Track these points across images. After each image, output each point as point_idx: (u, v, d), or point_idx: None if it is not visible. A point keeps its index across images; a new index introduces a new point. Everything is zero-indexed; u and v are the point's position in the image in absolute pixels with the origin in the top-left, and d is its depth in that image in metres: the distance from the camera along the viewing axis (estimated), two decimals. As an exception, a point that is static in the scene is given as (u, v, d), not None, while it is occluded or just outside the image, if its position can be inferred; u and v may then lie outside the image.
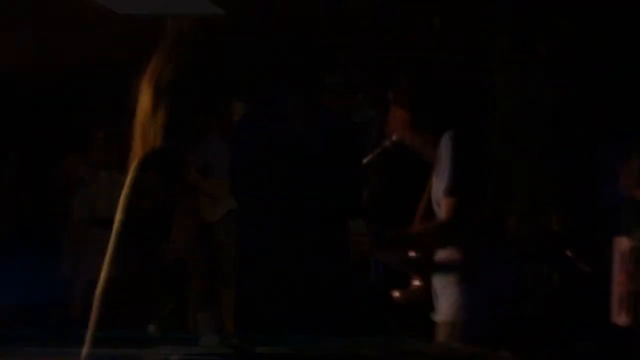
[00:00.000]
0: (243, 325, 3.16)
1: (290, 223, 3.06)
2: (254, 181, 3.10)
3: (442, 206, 2.90)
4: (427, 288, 3.13)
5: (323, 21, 5.11)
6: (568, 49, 5.50)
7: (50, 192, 5.66)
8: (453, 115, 3.06)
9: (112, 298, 1.58)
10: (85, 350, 1.61)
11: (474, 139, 3.06)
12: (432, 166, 3.02)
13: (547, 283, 4.66)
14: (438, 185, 2.97)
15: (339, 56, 3.99)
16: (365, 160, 3.36)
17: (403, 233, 3.08)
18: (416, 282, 3.05)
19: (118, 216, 1.62)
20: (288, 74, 3.24)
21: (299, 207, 3.07)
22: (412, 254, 3.14)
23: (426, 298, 3.16)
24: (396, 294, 3.25)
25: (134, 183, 1.64)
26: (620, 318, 4.09)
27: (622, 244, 4.15)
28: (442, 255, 2.95)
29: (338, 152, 3.20)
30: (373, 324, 3.76)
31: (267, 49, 3.32)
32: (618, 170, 4.52)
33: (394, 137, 2.97)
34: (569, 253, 4.75)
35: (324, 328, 2.75)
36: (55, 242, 5.20)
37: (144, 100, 1.69)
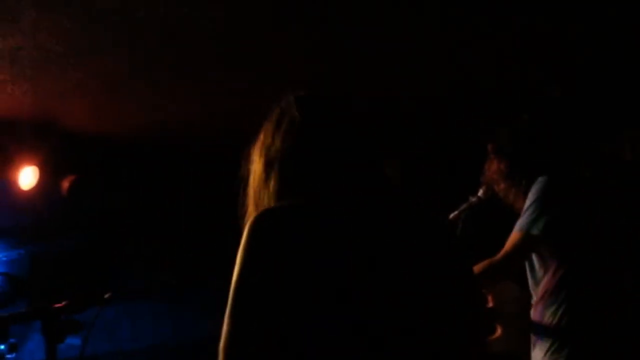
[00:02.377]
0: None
1: None
2: None
3: (507, 241, 3.34)
4: (513, 336, 3.41)
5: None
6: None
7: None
8: (550, 162, 3.20)
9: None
10: None
11: (565, 183, 3.15)
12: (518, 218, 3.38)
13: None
14: None
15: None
16: (451, 216, 3.33)
17: None
18: (500, 330, 3.56)
19: (235, 272, 1.59)
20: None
21: None
22: (490, 303, 3.41)
23: (513, 346, 3.49)
24: None
25: (247, 240, 1.61)
26: None
27: None
28: (536, 308, 3.13)
29: None
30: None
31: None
32: None
33: (479, 193, 3.53)
34: None
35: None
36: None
37: (256, 168, 1.79)
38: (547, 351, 3.04)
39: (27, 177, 5.06)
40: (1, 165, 4.91)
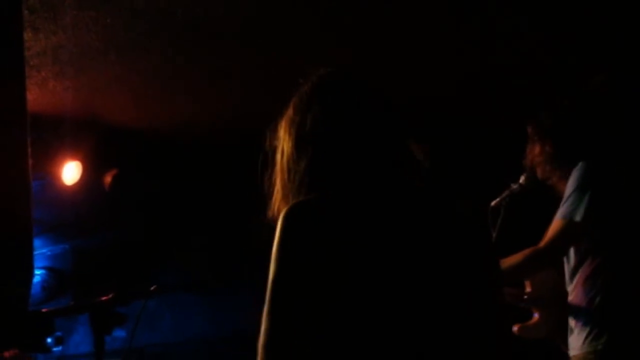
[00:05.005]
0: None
1: None
2: None
3: (550, 228, 3.31)
4: (550, 322, 3.39)
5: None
6: None
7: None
8: (596, 144, 3.15)
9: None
10: None
11: (607, 169, 3.11)
12: (560, 202, 3.35)
13: None
14: None
15: None
16: (492, 204, 3.31)
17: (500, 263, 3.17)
18: (537, 316, 3.54)
19: (272, 268, 1.54)
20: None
21: None
22: (528, 289, 3.41)
23: (550, 332, 3.48)
24: (516, 327, 3.70)
25: (282, 234, 1.55)
26: None
27: None
28: (574, 295, 3.11)
29: None
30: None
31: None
32: None
33: (521, 180, 3.50)
34: None
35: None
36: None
37: (285, 146, 1.72)
38: (585, 338, 3.02)
39: (70, 172, 5.12)
40: (44, 161, 4.98)
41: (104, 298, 2.22)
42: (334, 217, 1.58)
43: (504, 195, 3.44)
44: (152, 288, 2.28)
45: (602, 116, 3.33)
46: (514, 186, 3.46)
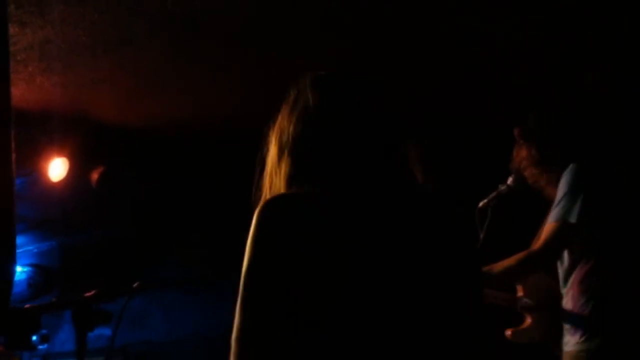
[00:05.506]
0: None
1: None
2: None
3: (543, 231, 3.31)
4: (542, 326, 3.41)
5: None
6: None
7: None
8: (583, 148, 3.15)
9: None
10: None
11: (597, 170, 3.11)
12: (549, 205, 3.34)
13: None
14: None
15: None
16: (480, 204, 3.31)
17: (492, 267, 3.17)
18: (528, 320, 3.54)
19: (245, 261, 1.55)
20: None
21: None
22: (520, 293, 3.41)
23: (542, 336, 3.50)
24: (508, 332, 3.71)
25: (256, 227, 1.56)
26: None
27: None
28: (569, 296, 3.11)
29: None
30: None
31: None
32: None
33: (509, 182, 3.49)
34: None
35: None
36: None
37: (272, 152, 1.75)
38: (578, 341, 3.02)
39: (57, 169, 5.08)
40: (31, 158, 4.95)
41: (86, 294, 2.20)
42: (309, 211, 1.59)
43: (491, 196, 3.43)
44: (134, 285, 2.25)
45: (589, 119, 3.33)
46: (502, 187, 3.45)
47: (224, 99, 4.86)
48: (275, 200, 1.64)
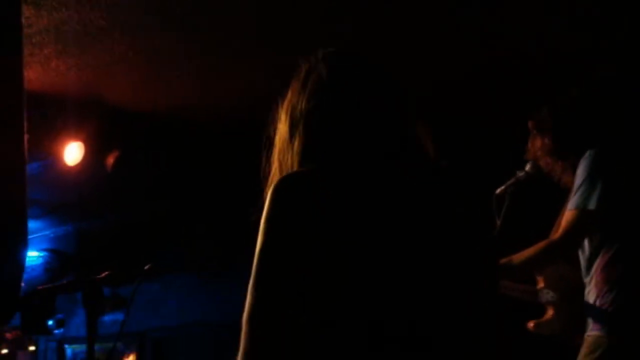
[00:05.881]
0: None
1: None
2: None
3: (563, 220, 3.27)
4: (564, 317, 3.36)
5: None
6: None
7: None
8: (598, 137, 3.13)
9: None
10: None
11: (615, 157, 3.09)
12: (566, 193, 3.31)
13: None
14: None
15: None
16: (497, 191, 3.27)
17: (512, 258, 3.14)
18: (550, 312, 3.48)
19: (259, 240, 1.52)
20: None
21: None
22: (541, 284, 3.37)
23: (565, 328, 3.44)
24: (531, 324, 3.65)
25: (271, 205, 1.54)
26: None
27: None
28: (591, 285, 3.05)
29: None
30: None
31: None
32: None
33: (527, 168, 3.46)
34: None
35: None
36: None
37: (282, 128, 1.72)
38: (600, 331, 2.98)
39: (73, 153, 5.08)
40: (47, 141, 4.94)
41: (98, 277, 2.18)
42: (325, 188, 1.55)
43: (509, 182, 3.39)
44: (146, 267, 2.23)
45: (603, 106, 3.30)
46: (520, 174, 3.42)
47: (240, 84, 4.84)
48: (290, 178, 1.60)
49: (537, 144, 3.35)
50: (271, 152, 1.75)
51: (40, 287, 2.40)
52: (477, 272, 1.65)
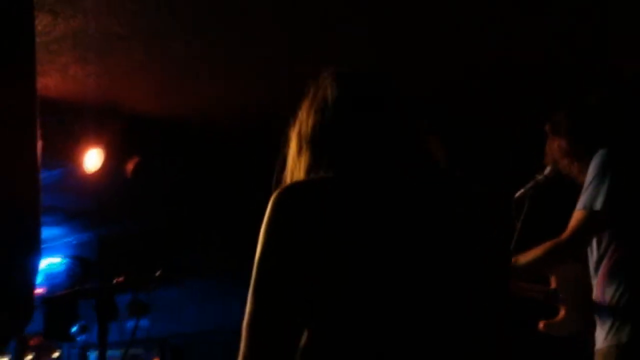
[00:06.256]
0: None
1: None
2: None
3: (571, 220, 3.25)
4: (576, 318, 3.32)
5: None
6: None
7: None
8: (611, 137, 3.14)
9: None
10: None
11: (625, 157, 3.08)
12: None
13: None
14: None
15: None
16: (517, 195, 3.25)
17: (518, 258, 3.11)
18: (563, 312, 3.44)
19: (259, 246, 1.53)
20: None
21: None
22: (553, 285, 3.34)
23: (577, 328, 3.40)
24: (542, 324, 3.62)
25: (270, 212, 1.55)
26: None
27: None
28: (597, 287, 3.03)
29: None
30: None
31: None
32: None
33: (546, 172, 3.43)
34: None
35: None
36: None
37: (292, 146, 1.74)
38: (608, 331, 2.95)
39: (92, 159, 5.10)
40: (66, 149, 4.96)
41: (113, 282, 2.18)
42: (325, 196, 1.56)
43: (528, 186, 3.37)
44: (157, 273, 2.23)
45: (616, 108, 3.28)
46: (539, 177, 3.39)
47: (258, 91, 4.83)
48: (290, 187, 1.63)
49: (554, 147, 3.34)
50: (283, 172, 1.78)
51: (57, 294, 2.41)
52: (481, 275, 1.63)
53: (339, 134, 1.69)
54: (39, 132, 2.37)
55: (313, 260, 1.50)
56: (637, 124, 3.26)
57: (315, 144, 1.69)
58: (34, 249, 2.15)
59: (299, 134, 1.73)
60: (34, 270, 2.23)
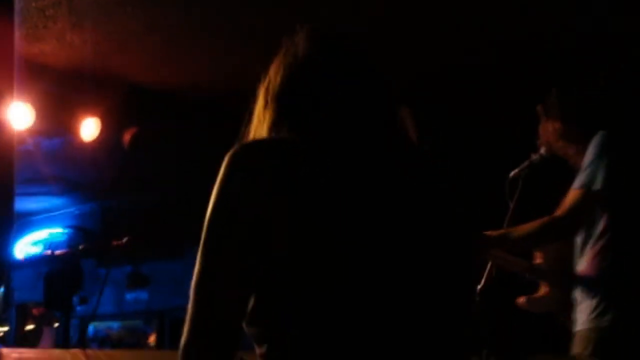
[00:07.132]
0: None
1: None
2: None
3: (567, 198, 3.07)
4: (557, 296, 3.26)
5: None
6: None
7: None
8: (607, 120, 3.12)
9: None
10: None
11: (624, 139, 3.06)
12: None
13: None
14: None
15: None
16: (511, 174, 3.19)
17: (512, 230, 3.06)
18: (544, 289, 3.38)
19: (210, 205, 1.47)
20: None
21: None
22: (539, 260, 3.28)
23: (558, 307, 3.35)
24: (521, 300, 3.55)
25: (223, 171, 1.49)
26: None
27: None
28: (583, 267, 3.02)
29: None
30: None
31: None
32: None
33: (541, 151, 3.37)
34: None
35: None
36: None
37: (258, 104, 1.69)
38: (590, 313, 2.91)
39: (89, 128, 5.06)
40: (63, 117, 4.93)
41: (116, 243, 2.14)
42: (284, 160, 1.50)
43: (523, 165, 3.29)
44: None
45: (611, 90, 3.24)
46: (534, 157, 3.33)
47: (257, 59, 4.77)
48: (247, 145, 1.56)
49: (547, 129, 3.28)
50: (248, 129, 1.70)
51: (58, 252, 2.36)
52: (452, 244, 1.59)
53: (305, 92, 1.63)
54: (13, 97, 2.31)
55: (264, 225, 1.45)
56: (635, 108, 3.22)
57: (280, 101, 1.63)
58: (6, 221, 2.12)
59: (267, 90, 1.68)
60: (5, 240, 2.20)
